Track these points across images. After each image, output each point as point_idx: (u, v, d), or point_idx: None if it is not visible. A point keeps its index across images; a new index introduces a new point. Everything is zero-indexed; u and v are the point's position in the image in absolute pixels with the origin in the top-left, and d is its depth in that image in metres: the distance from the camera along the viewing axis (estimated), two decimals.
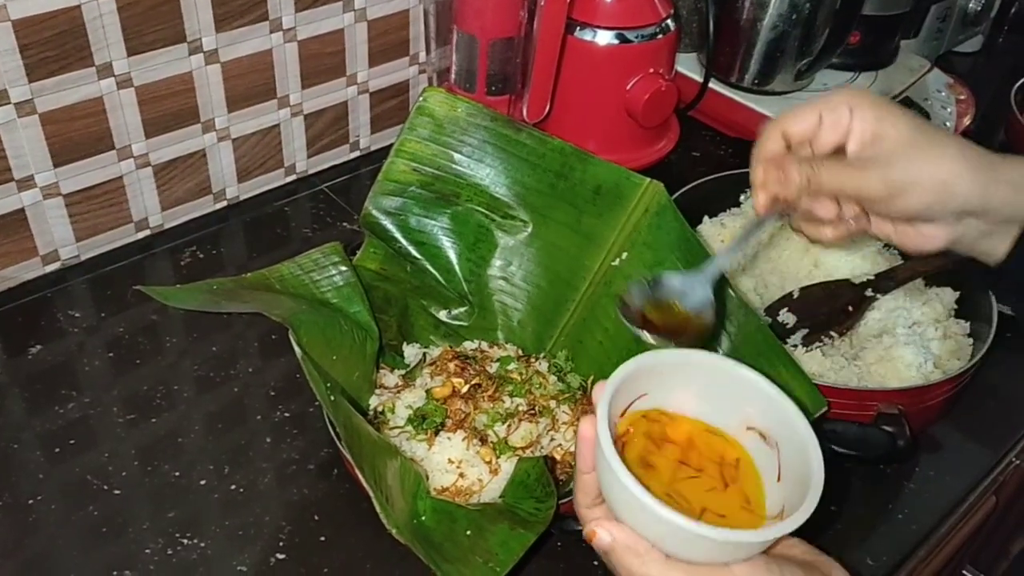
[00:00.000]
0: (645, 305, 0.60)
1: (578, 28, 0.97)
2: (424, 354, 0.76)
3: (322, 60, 0.96)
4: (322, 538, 0.68)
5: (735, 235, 0.90)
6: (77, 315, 0.84)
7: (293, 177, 1.02)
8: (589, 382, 0.75)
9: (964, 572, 1.07)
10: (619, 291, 0.75)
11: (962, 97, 1.18)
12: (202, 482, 0.71)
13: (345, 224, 0.98)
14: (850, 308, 0.82)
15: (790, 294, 0.84)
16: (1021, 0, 1.45)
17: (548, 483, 0.63)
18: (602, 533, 0.49)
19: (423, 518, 0.62)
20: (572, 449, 0.70)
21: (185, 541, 0.67)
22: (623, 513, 0.48)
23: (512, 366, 0.74)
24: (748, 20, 1.08)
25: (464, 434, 0.68)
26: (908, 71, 1.19)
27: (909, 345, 0.77)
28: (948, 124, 1.13)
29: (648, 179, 0.74)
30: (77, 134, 0.82)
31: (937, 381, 0.73)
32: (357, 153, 1.06)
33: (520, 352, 0.78)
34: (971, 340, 0.80)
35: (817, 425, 0.66)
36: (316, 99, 0.98)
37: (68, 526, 0.68)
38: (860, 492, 0.75)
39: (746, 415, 0.52)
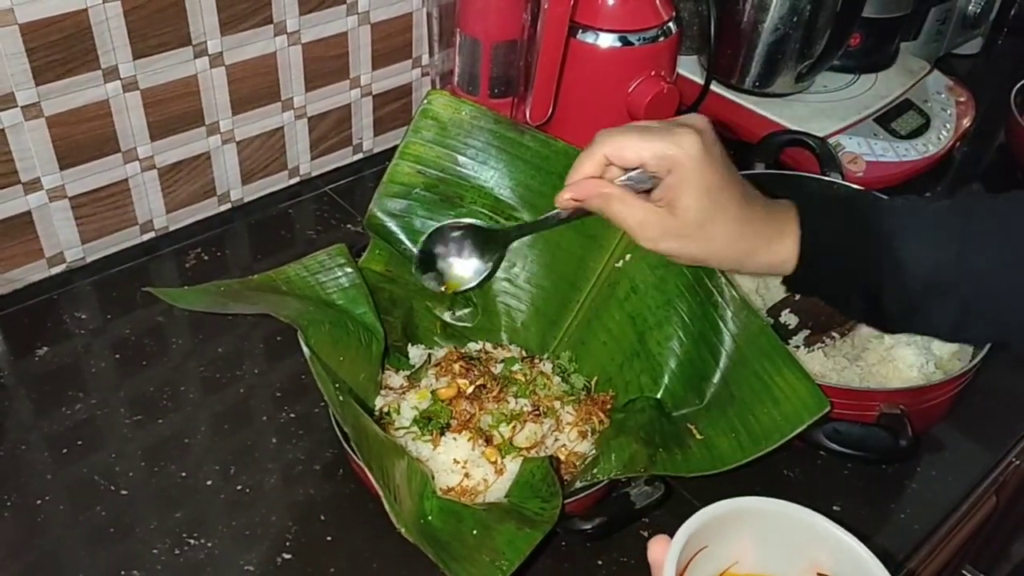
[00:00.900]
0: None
1: (580, 31, 0.97)
2: (429, 355, 0.76)
3: (326, 63, 0.96)
4: (328, 538, 0.68)
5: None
6: (83, 317, 0.84)
7: (297, 179, 1.03)
8: (593, 383, 0.76)
9: (964, 572, 1.08)
10: (624, 292, 0.75)
11: (962, 99, 1.19)
12: (208, 483, 0.72)
13: (349, 226, 0.98)
14: None
15: (792, 295, 0.85)
16: (1021, 2, 1.46)
17: (553, 483, 0.64)
18: None
19: (430, 518, 0.62)
20: (576, 449, 0.71)
21: (192, 541, 0.67)
22: None
23: (516, 367, 0.74)
24: (749, 23, 1.08)
25: (469, 435, 0.68)
26: (908, 73, 1.20)
27: (911, 346, 0.77)
28: (948, 126, 1.14)
29: None
30: (83, 137, 0.82)
31: (939, 382, 0.74)
32: (360, 155, 1.07)
33: (524, 353, 0.78)
34: None
35: (819, 425, 0.67)
36: (320, 102, 0.98)
37: (75, 526, 0.68)
38: (862, 492, 0.76)
39: (815, 560, 0.50)
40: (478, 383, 0.71)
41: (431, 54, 1.01)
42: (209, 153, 0.92)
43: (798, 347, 0.82)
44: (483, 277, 0.70)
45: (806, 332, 0.82)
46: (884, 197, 0.69)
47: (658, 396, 0.73)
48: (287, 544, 0.68)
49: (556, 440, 0.71)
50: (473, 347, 0.78)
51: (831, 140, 1.05)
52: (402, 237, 0.76)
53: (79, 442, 0.74)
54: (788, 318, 0.83)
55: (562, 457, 0.70)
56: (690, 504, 0.73)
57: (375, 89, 1.03)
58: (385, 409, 0.71)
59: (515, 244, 0.78)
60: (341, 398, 0.62)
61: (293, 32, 0.91)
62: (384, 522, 0.57)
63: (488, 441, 0.68)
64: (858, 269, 0.61)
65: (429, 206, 0.77)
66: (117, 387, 0.78)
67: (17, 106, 0.77)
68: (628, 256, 0.75)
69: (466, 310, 0.79)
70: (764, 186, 0.64)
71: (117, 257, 0.91)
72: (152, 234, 0.93)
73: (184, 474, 0.72)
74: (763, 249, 0.62)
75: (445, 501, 0.64)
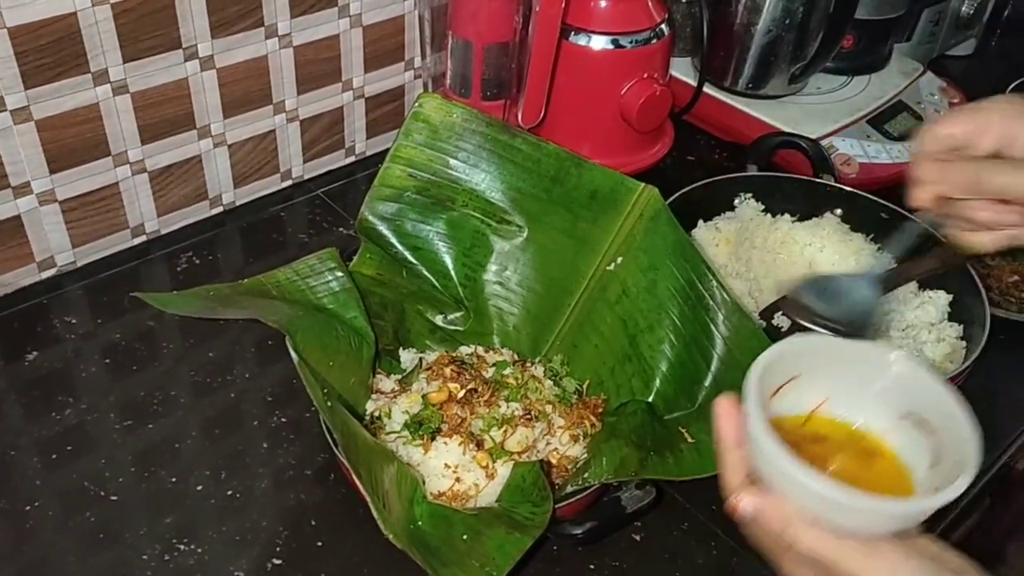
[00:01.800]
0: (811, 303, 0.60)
1: (572, 33, 0.97)
2: (420, 359, 0.76)
3: (317, 66, 0.96)
4: (319, 543, 0.68)
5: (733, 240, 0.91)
6: (73, 321, 0.84)
7: (289, 182, 1.02)
8: (584, 386, 0.76)
9: None
10: (615, 295, 0.75)
11: (955, 101, 1.19)
12: (199, 488, 0.71)
13: (341, 229, 0.98)
14: None
15: (784, 297, 0.85)
16: (1014, 3, 1.46)
17: (544, 487, 0.63)
18: (746, 502, 0.49)
19: (420, 523, 0.62)
20: (568, 453, 0.71)
21: (182, 547, 0.67)
22: (773, 482, 0.48)
23: (508, 371, 0.74)
24: (742, 25, 1.08)
25: (460, 439, 0.68)
26: (901, 75, 1.20)
27: (903, 349, 0.77)
28: None
29: (643, 184, 0.75)
30: (73, 140, 0.82)
31: None
32: (353, 158, 1.07)
33: (516, 357, 0.78)
34: (964, 343, 0.81)
35: None
36: (312, 104, 0.98)
37: (65, 532, 0.68)
38: None
39: (898, 403, 0.52)
40: (469, 387, 0.71)
41: (423, 56, 1.01)
42: (200, 156, 0.92)
43: None
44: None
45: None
46: None
47: (650, 399, 0.73)
48: (277, 549, 0.67)
49: (547, 444, 0.71)
50: (465, 351, 0.77)
51: (824, 142, 1.05)
52: (393, 240, 0.76)
53: (69, 447, 0.73)
54: (780, 320, 0.83)
55: (553, 461, 0.70)
56: (682, 508, 0.73)
57: (367, 92, 1.02)
58: (376, 413, 0.71)
59: (507, 247, 0.78)
60: (330, 404, 0.62)
61: (284, 35, 0.91)
62: (375, 527, 0.57)
63: (479, 445, 0.68)
64: None
65: (421, 209, 0.76)
66: (107, 392, 0.78)
67: (7, 110, 0.77)
68: (619, 259, 0.75)
69: (457, 314, 0.79)
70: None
71: (108, 261, 0.90)
72: (143, 238, 0.93)
73: (174, 479, 0.72)
74: None
75: (435, 506, 0.64)
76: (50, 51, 0.77)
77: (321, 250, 0.75)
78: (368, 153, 1.07)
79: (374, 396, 0.73)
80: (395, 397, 0.72)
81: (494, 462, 0.68)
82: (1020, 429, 0.83)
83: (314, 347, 0.67)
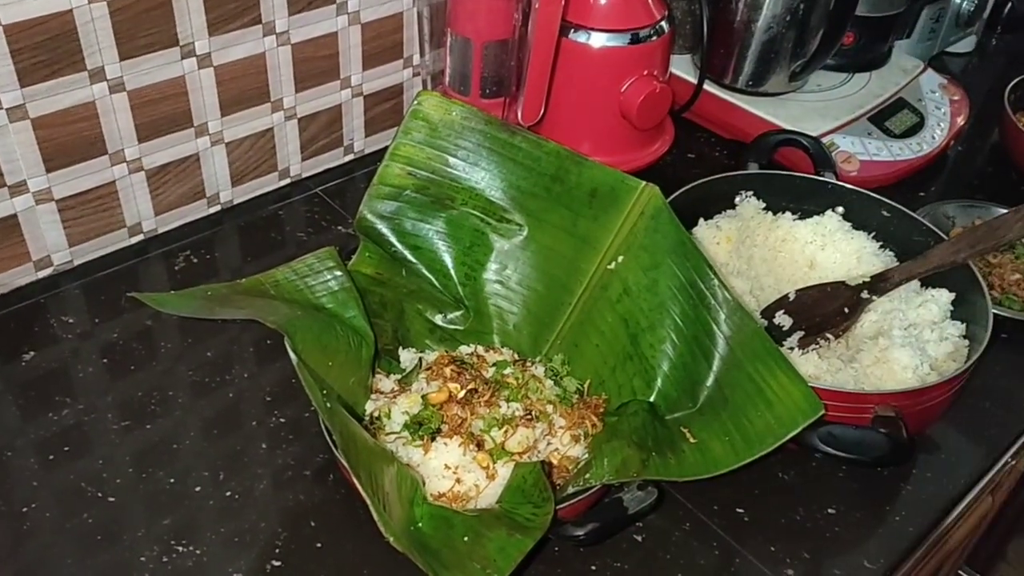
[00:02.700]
0: None
1: (572, 30, 0.97)
2: (420, 359, 0.76)
3: (316, 63, 0.95)
4: (318, 544, 0.68)
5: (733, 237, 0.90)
6: (71, 321, 0.84)
7: (287, 181, 1.02)
8: (585, 386, 0.75)
9: (960, 573, 1.07)
10: (616, 294, 0.74)
11: (956, 98, 1.18)
12: (197, 489, 0.71)
13: (340, 228, 0.97)
14: (846, 310, 0.82)
15: (786, 296, 0.84)
16: (1014, 0, 1.45)
17: (545, 488, 0.63)
18: None
19: (420, 524, 0.62)
20: (569, 453, 0.70)
21: (180, 548, 0.67)
22: None
23: (508, 371, 0.74)
24: (742, 22, 1.08)
25: (460, 439, 0.67)
26: (902, 72, 1.19)
27: (905, 347, 0.77)
28: (942, 125, 1.14)
29: (643, 182, 0.74)
30: (70, 139, 0.81)
31: (934, 383, 0.73)
32: (351, 156, 1.06)
33: (516, 356, 0.78)
34: (967, 342, 0.80)
35: (814, 428, 0.66)
36: (310, 102, 0.98)
37: (62, 534, 0.67)
38: (857, 495, 0.75)
39: None
40: (469, 387, 0.71)
41: (422, 54, 1.00)
42: (198, 155, 0.92)
43: (792, 349, 0.81)
44: None
45: (800, 334, 0.82)
46: None
47: (651, 399, 0.72)
48: (276, 551, 0.67)
49: (548, 444, 0.70)
50: (465, 350, 0.77)
51: (825, 139, 1.05)
52: (392, 239, 0.76)
53: (66, 448, 0.73)
54: (782, 320, 0.83)
55: (554, 462, 0.70)
56: (684, 509, 0.73)
57: (366, 89, 1.02)
58: (375, 414, 0.70)
59: (507, 246, 0.78)
60: (329, 404, 0.62)
61: (282, 32, 0.91)
62: (374, 528, 0.56)
63: (480, 446, 0.68)
64: None
65: (420, 208, 0.76)
66: (105, 392, 0.78)
67: (2, 108, 0.76)
68: (620, 258, 0.74)
69: (457, 313, 0.79)
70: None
71: (105, 260, 0.90)
72: (141, 237, 0.92)
73: (173, 480, 0.71)
74: None
75: (436, 507, 0.63)
76: (46, 49, 0.76)
77: (320, 249, 0.74)
78: (367, 151, 1.07)
79: (373, 396, 0.72)
80: (395, 397, 0.71)
81: (495, 463, 0.67)
82: (1022, 428, 0.83)
83: (313, 347, 0.66)
